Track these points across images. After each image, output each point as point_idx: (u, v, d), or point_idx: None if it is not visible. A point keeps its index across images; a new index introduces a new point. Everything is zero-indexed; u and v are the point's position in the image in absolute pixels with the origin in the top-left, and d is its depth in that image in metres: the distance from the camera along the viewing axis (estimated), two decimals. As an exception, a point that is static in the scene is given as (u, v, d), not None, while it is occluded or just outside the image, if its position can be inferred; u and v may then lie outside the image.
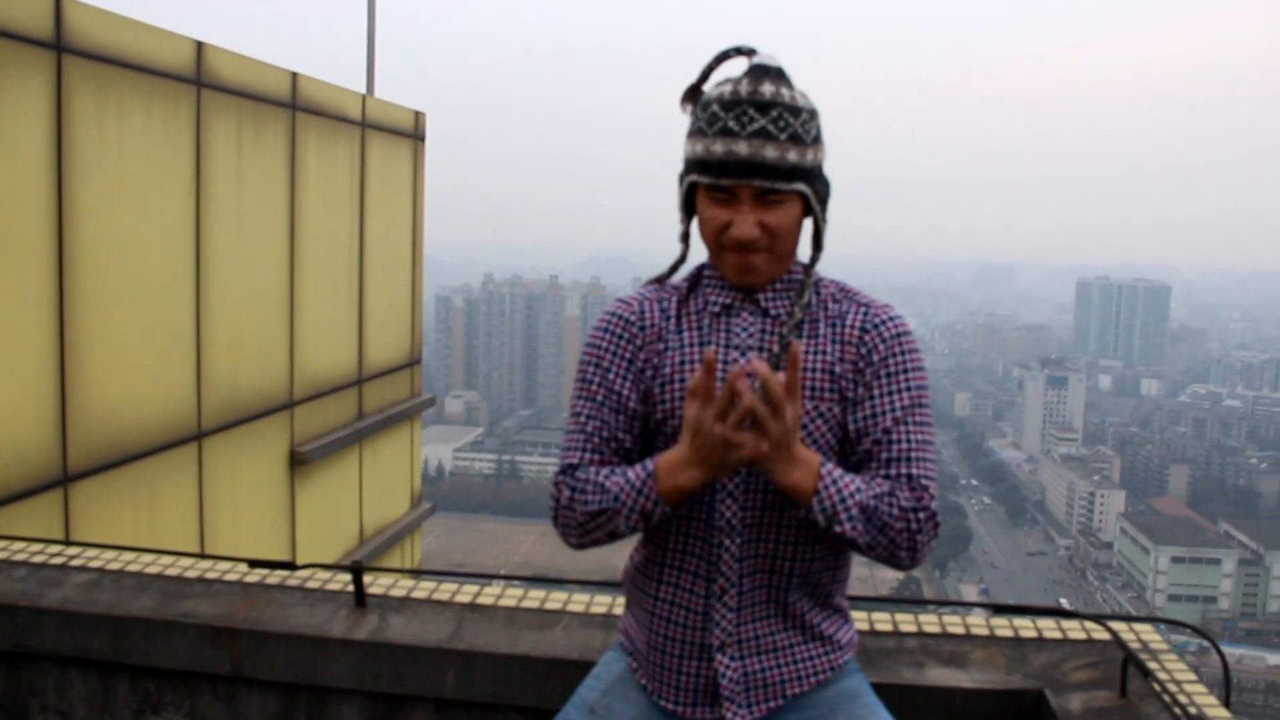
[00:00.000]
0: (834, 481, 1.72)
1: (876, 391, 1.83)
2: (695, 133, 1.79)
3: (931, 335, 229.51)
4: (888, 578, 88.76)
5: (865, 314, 1.87)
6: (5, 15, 5.59)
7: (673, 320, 1.89)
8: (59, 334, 6.04)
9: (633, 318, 1.91)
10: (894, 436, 1.81)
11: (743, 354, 1.83)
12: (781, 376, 1.64)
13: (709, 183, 1.77)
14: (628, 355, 1.90)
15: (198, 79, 7.26)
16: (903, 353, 1.85)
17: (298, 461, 8.68)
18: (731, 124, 1.73)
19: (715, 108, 1.76)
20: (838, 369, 1.84)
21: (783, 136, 1.74)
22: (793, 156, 1.75)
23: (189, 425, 7.31)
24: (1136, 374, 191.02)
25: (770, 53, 1.79)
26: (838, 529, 1.72)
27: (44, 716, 2.96)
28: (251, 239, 8.04)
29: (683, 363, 1.85)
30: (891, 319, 1.87)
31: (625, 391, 1.88)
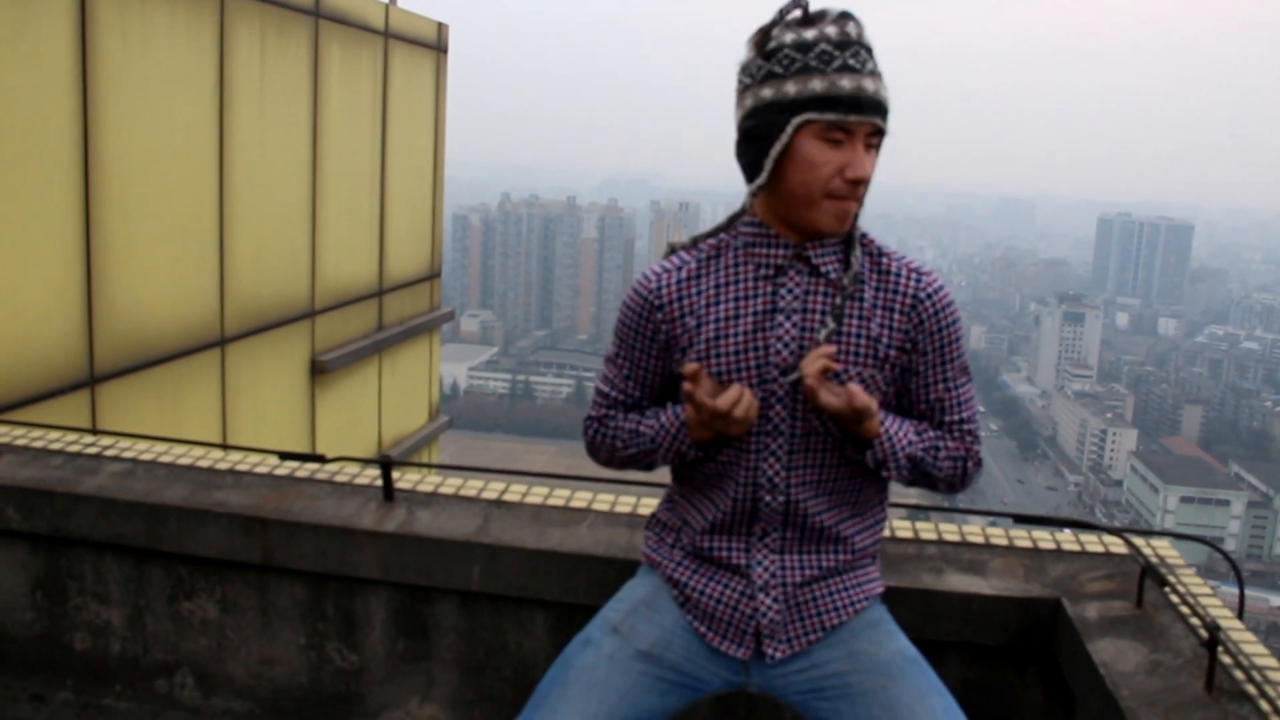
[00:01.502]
0: (890, 437, 1.84)
1: (931, 363, 1.91)
2: (801, 72, 1.73)
3: (949, 267, 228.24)
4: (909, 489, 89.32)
5: (917, 282, 1.88)
6: (32, -90, 5.54)
7: (704, 288, 1.89)
8: (85, 239, 6.07)
9: (650, 298, 1.91)
10: (945, 402, 1.93)
11: (787, 317, 1.85)
12: (815, 367, 1.74)
13: (833, 120, 1.72)
14: (648, 334, 1.94)
15: (223, -17, 7.20)
16: (952, 323, 1.90)
17: (318, 370, 8.76)
18: (852, 62, 1.72)
19: (825, 46, 1.72)
20: (885, 339, 1.86)
21: (883, 78, 1.76)
22: (889, 98, 1.77)
23: (212, 331, 7.37)
24: (1155, 313, 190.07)
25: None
26: (885, 474, 1.86)
27: (82, 599, 3.04)
28: (274, 148, 8.03)
29: (716, 323, 1.87)
30: (940, 289, 1.89)
31: (648, 366, 1.97)
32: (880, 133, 1.76)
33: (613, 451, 2.00)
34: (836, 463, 1.90)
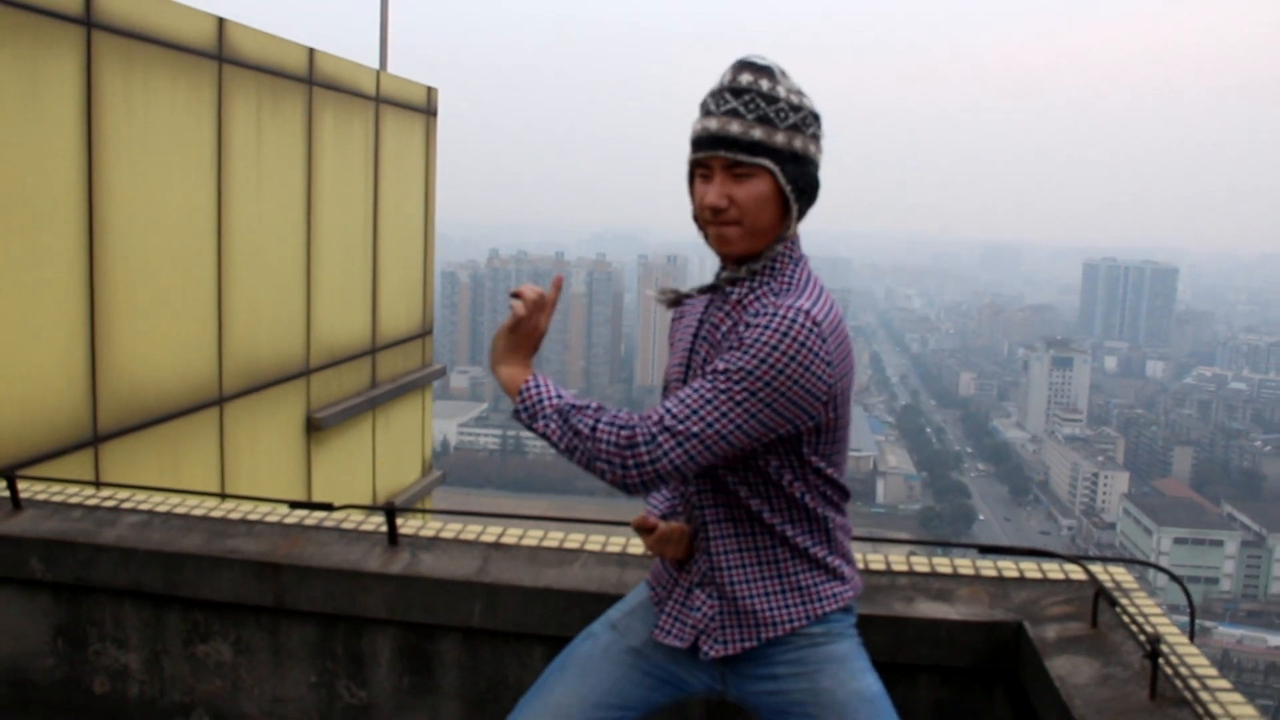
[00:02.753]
0: (539, 385, 1.97)
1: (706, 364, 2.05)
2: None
3: (937, 315, 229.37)
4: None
5: (764, 304, 1.95)
6: (40, -9, 5.79)
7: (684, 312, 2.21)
8: (89, 300, 6.26)
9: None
10: (688, 383, 2.06)
11: (694, 333, 2.10)
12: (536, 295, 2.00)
13: (691, 158, 2.01)
14: None
15: (219, 54, 7.46)
16: (760, 328, 1.89)
17: (314, 427, 8.92)
18: (710, 105, 1.97)
19: (705, 97, 1.99)
20: (718, 337, 2.04)
21: (750, 116, 1.94)
22: (757, 134, 1.93)
23: (211, 390, 7.54)
24: (1142, 355, 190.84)
25: (772, 57, 1.99)
26: (536, 426, 1.95)
27: (101, 644, 3.20)
28: (270, 211, 8.25)
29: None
30: (777, 312, 1.89)
31: None
32: (739, 164, 1.94)
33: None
34: (720, 483, 2.04)
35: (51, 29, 5.87)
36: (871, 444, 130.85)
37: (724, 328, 2.02)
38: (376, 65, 10.49)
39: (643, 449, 1.86)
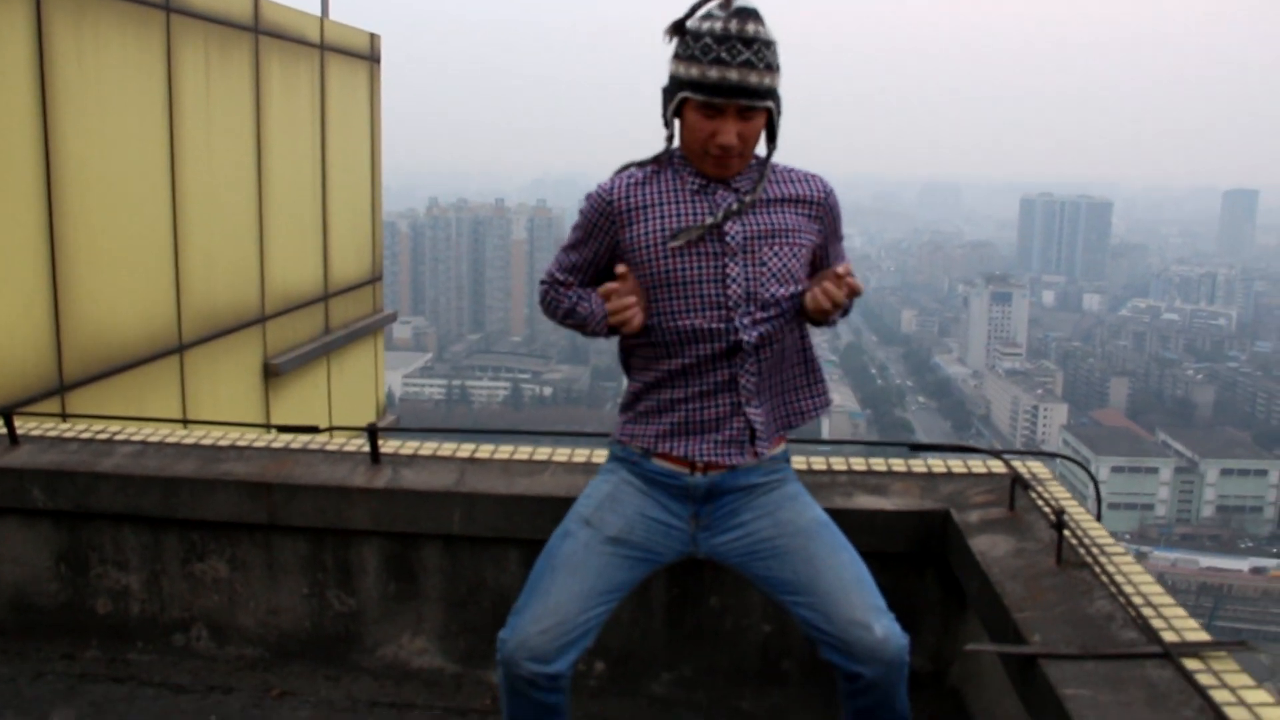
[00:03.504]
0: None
1: (834, 246, 2.57)
2: (689, 58, 2.25)
3: (878, 253, 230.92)
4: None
5: (822, 183, 2.50)
6: (-12, -55, 5.86)
7: (650, 195, 2.41)
8: (50, 252, 6.39)
9: (611, 199, 2.42)
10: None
11: (723, 211, 2.37)
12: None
13: (702, 100, 2.25)
14: (602, 230, 2.45)
15: (167, 4, 7.53)
16: (839, 214, 2.55)
17: (271, 373, 9.09)
18: (724, 54, 2.22)
19: (708, 40, 2.23)
20: (805, 225, 2.45)
21: (761, 66, 2.24)
22: (767, 81, 2.27)
23: (171, 338, 7.70)
24: (1079, 289, 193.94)
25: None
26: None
27: (103, 568, 3.43)
28: (221, 160, 8.36)
29: (662, 225, 2.38)
30: (833, 190, 2.52)
31: (592, 258, 2.49)
32: (751, 108, 2.27)
33: (556, 316, 2.55)
34: (785, 328, 2.44)
35: (2, -17, 5.95)
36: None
37: (778, 203, 2.43)
38: (319, 12, 10.54)
39: None
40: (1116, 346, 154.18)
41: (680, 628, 3.19)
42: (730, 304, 2.36)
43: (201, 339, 8.09)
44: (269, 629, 3.38)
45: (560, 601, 2.33)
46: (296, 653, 3.35)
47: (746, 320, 2.37)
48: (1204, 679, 2.01)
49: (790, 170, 2.49)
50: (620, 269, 2.38)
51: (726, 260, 2.36)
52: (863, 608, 2.34)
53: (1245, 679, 2.02)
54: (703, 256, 2.36)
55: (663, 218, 2.38)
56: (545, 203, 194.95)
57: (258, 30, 8.84)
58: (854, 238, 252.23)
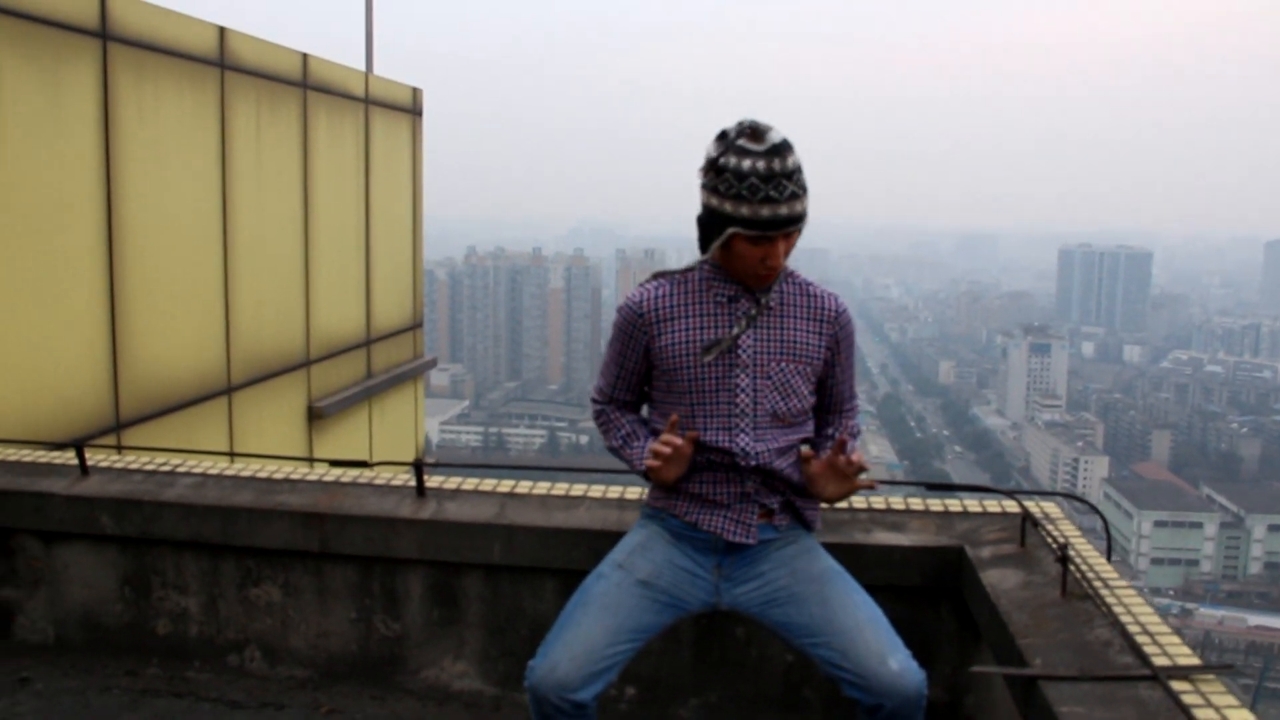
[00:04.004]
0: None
1: (842, 366, 2.71)
2: (735, 197, 2.42)
3: (915, 304, 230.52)
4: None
5: (836, 302, 2.66)
6: (60, 9, 6.21)
7: (677, 306, 2.62)
8: (110, 296, 6.69)
9: (641, 310, 2.65)
10: (847, 390, 2.75)
11: (745, 317, 2.59)
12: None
13: (755, 235, 2.44)
14: (636, 340, 2.67)
15: (221, 62, 7.88)
16: (853, 333, 2.71)
17: (315, 416, 9.35)
18: (772, 193, 2.42)
19: (754, 180, 2.41)
20: (814, 341, 2.63)
21: (802, 194, 2.47)
22: (806, 204, 2.49)
23: (220, 380, 7.97)
24: (1119, 340, 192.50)
25: (770, 123, 2.48)
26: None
27: (164, 591, 3.65)
28: (271, 209, 8.68)
29: (688, 336, 2.59)
30: (846, 309, 2.69)
31: (632, 366, 2.70)
32: (796, 231, 2.48)
33: (606, 441, 2.76)
34: (788, 433, 2.63)
35: (71, 42, 6.30)
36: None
37: (793, 313, 2.63)
38: (363, 64, 10.92)
39: None
40: (1158, 399, 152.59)
41: (707, 656, 3.35)
42: (736, 413, 2.59)
43: (249, 381, 8.36)
44: (319, 651, 3.57)
45: (591, 634, 2.52)
46: (344, 674, 3.55)
47: (748, 434, 2.59)
48: (1190, 699, 2.16)
49: (809, 285, 2.67)
50: (673, 418, 2.56)
51: (738, 372, 2.58)
52: (878, 643, 2.51)
53: (1230, 699, 2.17)
54: (717, 367, 2.59)
55: (688, 329, 2.59)
56: (583, 251, 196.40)
57: (306, 86, 9.19)
58: (891, 288, 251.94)
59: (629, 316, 2.65)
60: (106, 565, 3.68)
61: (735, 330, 2.56)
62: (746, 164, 2.42)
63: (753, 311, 2.58)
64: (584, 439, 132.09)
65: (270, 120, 8.61)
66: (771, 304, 2.60)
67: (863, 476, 2.56)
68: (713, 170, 2.47)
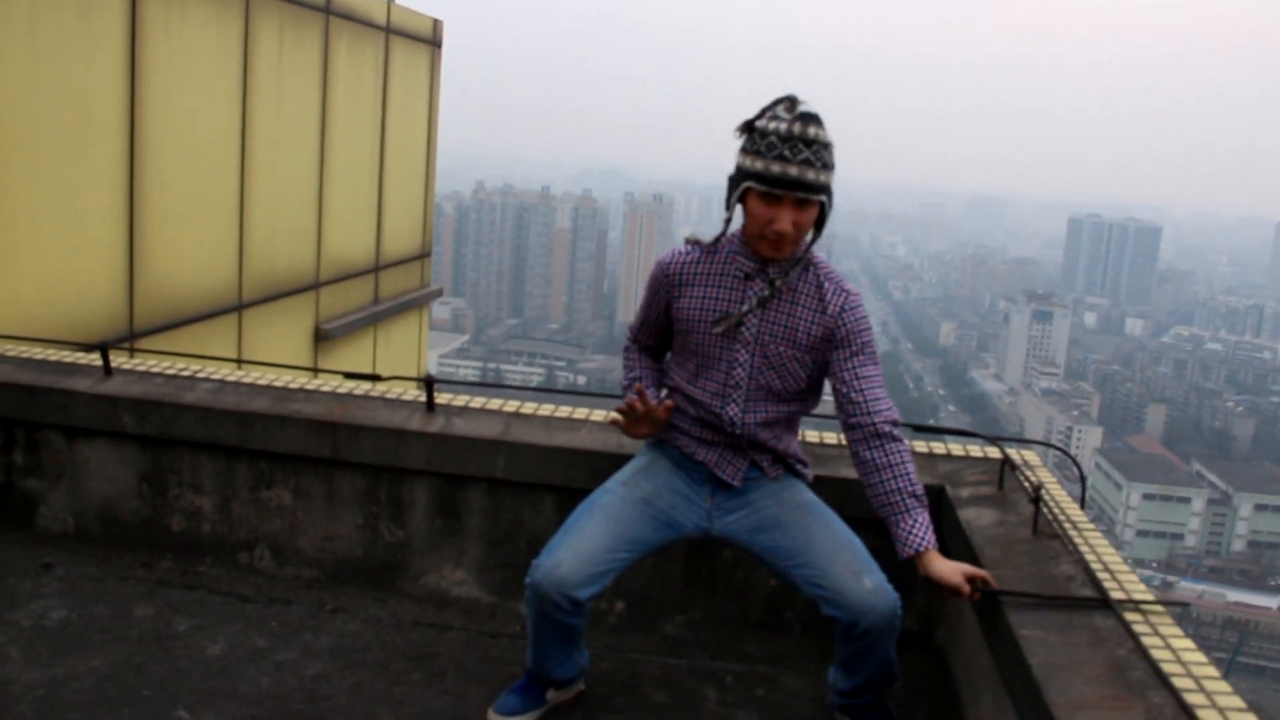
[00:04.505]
0: (926, 539, 2.68)
1: (849, 365, 2.75)
2: (755, 153, 2.59)
3: (920, 264, 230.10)
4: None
5: (844, 299, 2.75)
6: (92, -82, 6.28)
7: (699, 273, 2.80)
8: (129, 210, 6.81)
9: (668, 271, 2.84)
10: (858, 384, 2.76)
11: (756, 296, 2.75)
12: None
13: (764, 190, 2.59)
14: (660, 296, 2.88)
15: (247, -19, 7.94)
16: (863, 329, 2.77)
17: (321, 337, 9.51)
18: (786, 152, 2.56)
19: (773, 138, 2.57)
20: (815, 331, 2.77)
21: (818, 165, 2.59)
22: (822, 179, 2.61)
23: (232, 297, 8.12)
24: (1122, 313, 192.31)
25: (810, 101, 2.63)
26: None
27: (179, 489, 3.82)
28: (288, 133, 8.77)
29: (703, 304, 2.79)
30: (855, 309, 2.76)
31: (655, 317, 2.92)
32: (807, 200, 2.60)
33: (622, 368, 3.00)
34: (779, 405, 2.82)
35: (103, -45, 6.37)
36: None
37: (803, 301, 2.76)
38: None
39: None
40: (1156, 373, 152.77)
41: (695, 577, 3.53)
42: (731, 384, 2.79)
43: (260, 300, 8.51)
44: (325, 554, 3.75)
45: (594, 539, 2.73)
46: (349, 576, 3.73)
47: (738, 405, 2.78)
48: (1140, 628, 2.34)
49: (829, 277, 2.78)
50: (637, 388, 2.81)
51: (739, 347, 2.77)
52: (855, 564, 2.71)
53: (1176, 630, 2.34)
54: (721, 338, 2.77)
55: (704, 297, 2.78)
56: (590, 193, 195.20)
57: (329, 11, 9.25)
58: (897, 246, 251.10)
59: (659, 274, 2.85)
60: (126, 462, 3.85)
61: (745, 308, 2.73)
62: (773, 125, 2.58)
63: (765, 293, 2.73)
64: (581, 379, 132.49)
65: (292, 45, 8.68)
66: (785, 288, 2.74)
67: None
68: (746, 131, 2.64)
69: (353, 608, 3.56)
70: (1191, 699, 2.03)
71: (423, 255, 12.10)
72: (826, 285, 2.76)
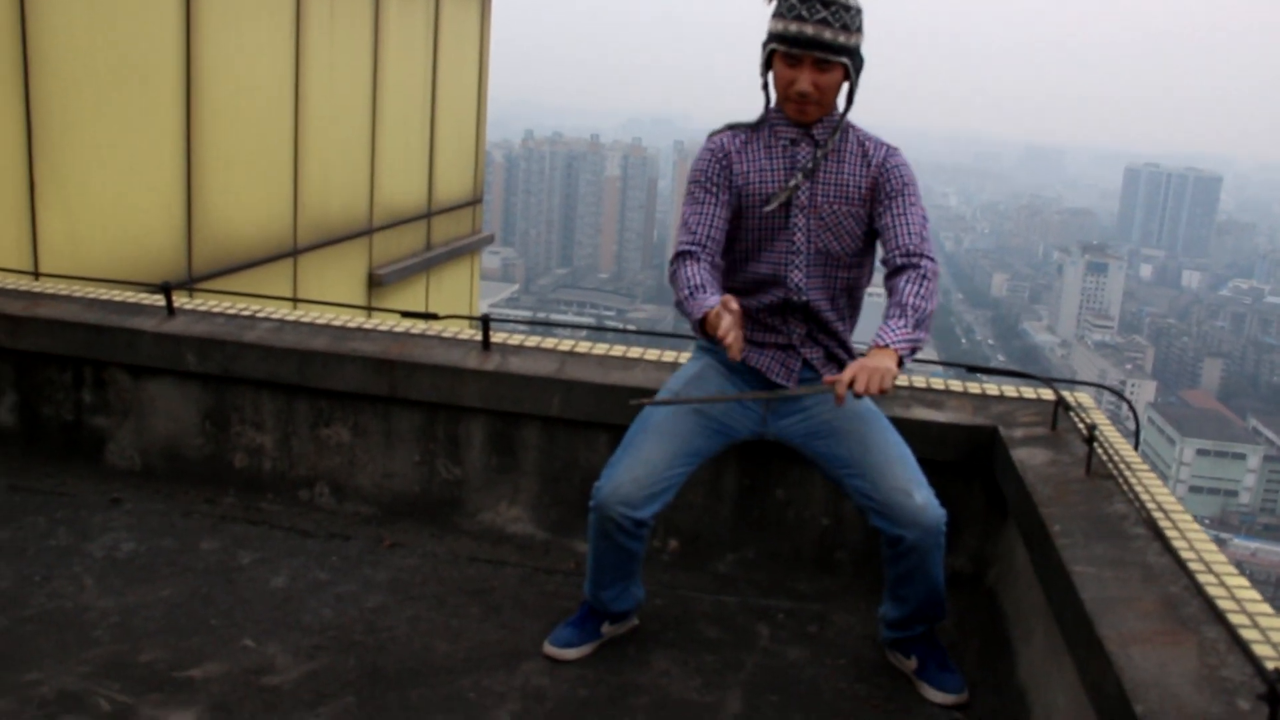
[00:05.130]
0: (905, 341, 2.58)
1: (892, 210, 2.76)
2: (777, 15, 2.65)
3: (973, 214, 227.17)
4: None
5: (885, 151, 2.80)
6: None
7: (747, 148, 2.81)
8: (186, 157, 6.90)
9: (720, 149, 2.83)
10: (899, 226, 2.75)
11: (800, 170, 2.76)
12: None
13: (783, 50, 2.64)
14: (718, 174, 2.82)
15: (301, -72, 7.96)
16: (904, 174, 2.79)
17: (375, 283, 9.61)
18: (803, 11, 2.61)
19: (794, 1, 2.61)
20: (863, 184, 2.79)
21: (836, 25, 2.62)
22: (841, 39, 2.64)
23: (287, 242, 8.22)
24: (1179, 265, 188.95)
25: None
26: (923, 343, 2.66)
27: (241, 427, 3.90)
28: (341, 80, 8.82)
29: (755, 173, 2.78)
30: (895, 156, 2.80)
31: (720, 201, 2.79)
32: (826, 60, 2.63)
33: (676, 294, 2.78)
34: (837, 271, 2.83)
35: (160, -101, 6.41)
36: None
37: (848, 160, 2.78)
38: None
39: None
40: (1213, 327, 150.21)
41: (747, 515, 3.57)
42: (792, 250, 2.78)
43: (314, 245, 8.61)
44: (383, 490, 3.83)
45: (651, 456, 2.75)
46: (406, 513, 3.80)
47: (800, 270, 2.78)
48: (1194, 565, 2.34)
49: (869, 137, 2.82)
50: (726, 299, 2.54)
51: (795, 212, 2.78)
52: (905, 478, 2.73)
53: (1230, 568, 2.34)
54: (776, 210, 2.77)
55: (756, 172, 2.78)
56: (640, 141, 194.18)
57: (382, -45, 9.25)
58: (950, 196, 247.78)
59: (714, 154, 2.81)
60: (189, 400, 3.94)
61: (792, 183, 2.75)
62: None
63: (809, 164, 2.75)
64: (631, 328, 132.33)
65: (344, -10, 8.70)
66: (830, 151, 2.76)
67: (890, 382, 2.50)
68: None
69: (410, 543, 3.63)
70: (1246, 634, 2.04)
71: (474, 202, 12.15)
72: (868, 143, 2.81)
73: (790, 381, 2.85)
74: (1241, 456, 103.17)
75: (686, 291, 2.68)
